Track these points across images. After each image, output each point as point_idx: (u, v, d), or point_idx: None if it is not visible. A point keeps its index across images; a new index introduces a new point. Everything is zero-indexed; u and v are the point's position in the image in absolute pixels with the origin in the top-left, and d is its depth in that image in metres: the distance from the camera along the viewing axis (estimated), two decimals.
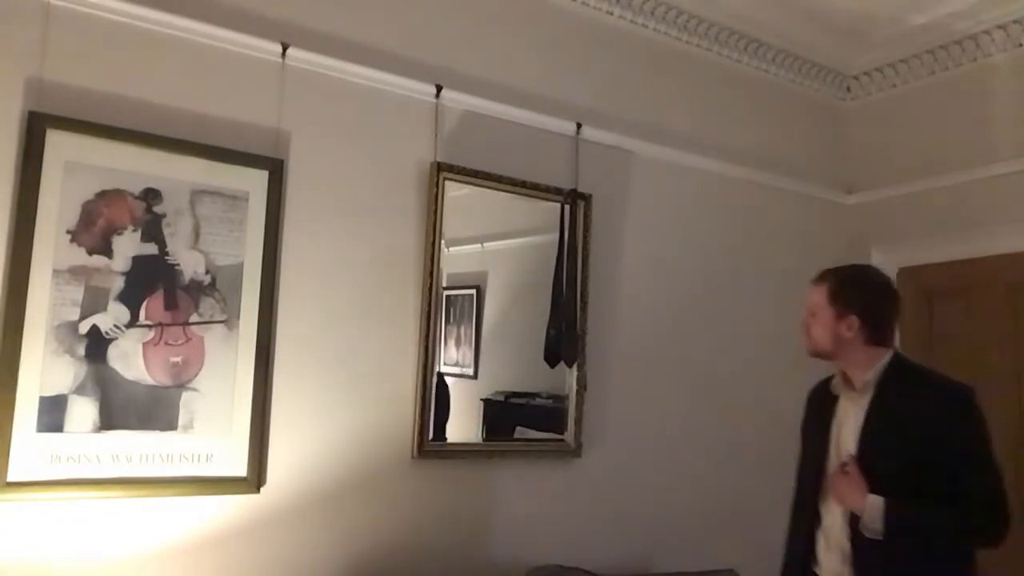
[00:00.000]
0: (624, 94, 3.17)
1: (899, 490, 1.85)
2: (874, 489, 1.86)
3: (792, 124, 3.72)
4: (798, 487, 2.16)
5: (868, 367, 2.01)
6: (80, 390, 2.03)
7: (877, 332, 2.02)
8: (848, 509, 1.93)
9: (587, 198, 2.91)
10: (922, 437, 1.86)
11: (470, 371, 2.80)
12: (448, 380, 2.68)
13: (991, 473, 1.85)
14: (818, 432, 2.10)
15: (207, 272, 2.24)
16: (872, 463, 1.90)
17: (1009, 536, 1.85)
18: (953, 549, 1.88)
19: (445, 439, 2.61)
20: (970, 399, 1.91)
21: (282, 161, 2.37)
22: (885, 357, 2.01)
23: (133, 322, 2.12)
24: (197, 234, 2.23)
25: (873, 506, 1.84)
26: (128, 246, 2.13)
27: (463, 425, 2.73)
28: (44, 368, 1.99)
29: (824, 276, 2.10)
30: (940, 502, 1.83)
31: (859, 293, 2.04)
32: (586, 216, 2.91)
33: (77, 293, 2.05)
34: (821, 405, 2.14)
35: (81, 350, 2.04)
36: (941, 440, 1.84)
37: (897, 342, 2.11)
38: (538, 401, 2.89)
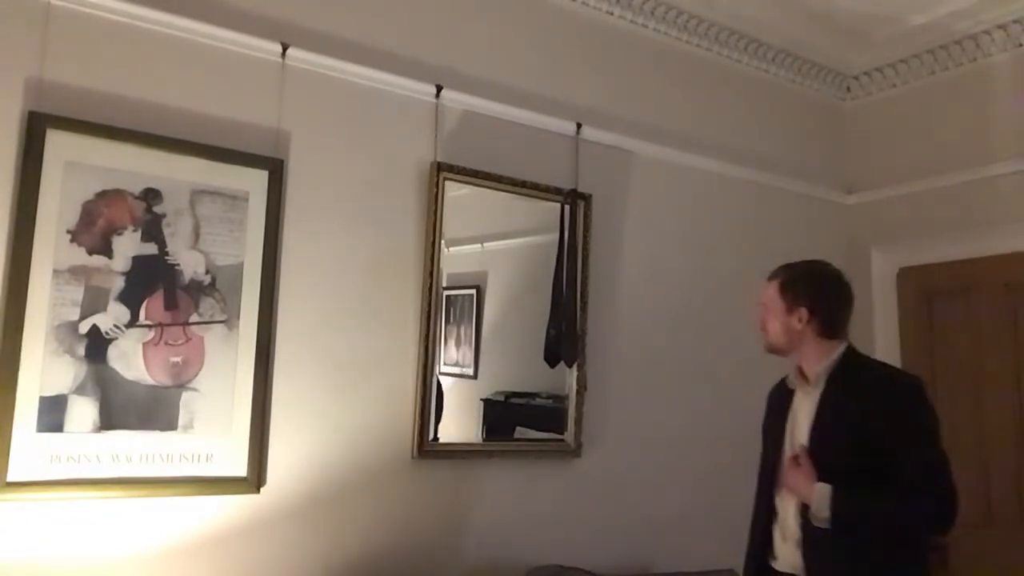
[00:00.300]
0: (624, 94, 3.17)
1: (850, 480, 1.86)
2: (825, 479, 1.87)
3: (792, 124, 3.72)
4: (758, 483, 2.18)
5: (820, 360, 2.03)
6: (80, 390, 2.03)
7: (828, 325, 2.04)
8: (799, 499, 1.95)
9: (587, 198, 2.91)
10: (870, 427, 1.87)
11: (470, 371, 2.80)
12: (447, 380, 2.68)
13: (938, 461, 1.87)
14: (775, 427, 2.13)
15: (207, 272, 2.24)
16: (823, 454, 1.92)
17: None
18: (900, 537, 1.88)
19: (438, 440, 2.60)
20: (918, 389, 1.93)
21: (282, 161, 2.38)
22: (838, 350, 2.03)
23: (133, 322, 2.12)
24: (197, 234, 2.23)
25: (821, 495, 1.86)
26: (128, 246, 2.13)
27: (463, 425, 2.73)
28: (44, 368, 1.99)
29: (777, 272, 2.14)
30: (888, 491, 1.84)
31: (809, 286, 2.07)
32: (586, 216, 2.90)
33: (77, 293, 2.05)
34: (779, 401, 2.17)
35: (81, 350, 2.04)
36: (889, 429, 1.86)
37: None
38: (538, 401, 2.89)
